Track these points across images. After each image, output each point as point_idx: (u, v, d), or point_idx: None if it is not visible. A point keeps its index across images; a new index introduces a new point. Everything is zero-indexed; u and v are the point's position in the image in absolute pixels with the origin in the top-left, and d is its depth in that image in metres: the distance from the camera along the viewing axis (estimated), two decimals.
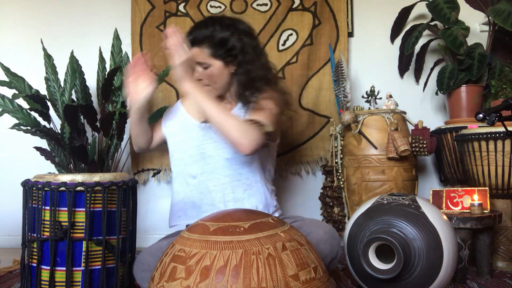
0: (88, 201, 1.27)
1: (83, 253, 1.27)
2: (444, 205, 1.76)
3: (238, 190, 1.50)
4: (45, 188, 1.27)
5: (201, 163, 1.52)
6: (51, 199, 1.27)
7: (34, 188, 1.30)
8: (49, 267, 1.26)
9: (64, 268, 1.26)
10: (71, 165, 2.10)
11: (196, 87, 1.38)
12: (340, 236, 1.81)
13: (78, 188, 1.27)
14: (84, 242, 1.27)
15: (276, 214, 1.56)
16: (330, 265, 1.36)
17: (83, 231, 1.27)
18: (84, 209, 1.28)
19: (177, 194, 1.59)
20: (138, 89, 1.45)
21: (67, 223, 1.26)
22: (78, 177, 1.29)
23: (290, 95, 1.63)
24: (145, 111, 1.53)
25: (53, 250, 1.26)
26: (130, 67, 1.47)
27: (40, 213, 1.29)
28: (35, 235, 1.29)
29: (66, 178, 1.29)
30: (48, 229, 1.27)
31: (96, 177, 1.30)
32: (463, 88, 2.20)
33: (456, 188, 1.78)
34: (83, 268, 1.27)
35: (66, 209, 1.26)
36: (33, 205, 1.31)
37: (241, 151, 1.34)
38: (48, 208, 1.27)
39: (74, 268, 1.27)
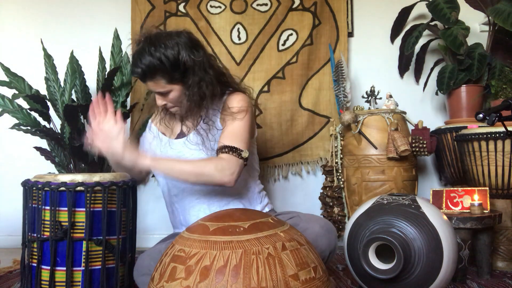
0: (88, 201, 1.27)
1: (83, 253, 1.27)
2: (444, 205, 1.76)
3: (222, 197, 1.50)
4: (45, 188, 1.27)
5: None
6: (51, 199, 1.27)
7: (34, 188, 1.30)
8: (49, 267, 1.26)
9: (64, 268, 1.26)
10: (71, 165, 2.10)
11: (152, 160, 1.35)
12: (340, 236, 1.82)
13: (78, 188, 1.27)
14: (84, 242, 1.27)
15: (267, 209, 1.57)
16: (329, 258, 1.37)
17: (83, 231, 1.27)
18: (84, 209, 1.28)
19: (169, 214, 1.62)
20: (108, 136, 1.34)
21: (67, 223, 1.26)
22: (78, 177, 1.29)
23: (250, 90, 1.61)
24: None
25: (53, 250, 1.26)
26: (91, 111, 1.38)
27: (40, 213, 1.29)
28: (35, 235, 1.29)
29: (66, 178, 1.29)
30: (48, 229, 1.27)
31: (96, 177, 1.30)
32: (463, 88, 2.20)
33: (456, 188, 1.78)
34: (83, 268, 1.27)
35: (66, 209, 1.27)
36: (33, 205, 1.31)
37: (227, 186, 1.37)
38: (48, 208, 1.27)
39: (74, 268, 1.27)
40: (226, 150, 1.37)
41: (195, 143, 1.48)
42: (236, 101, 1.48)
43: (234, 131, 1.42)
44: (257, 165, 1.64)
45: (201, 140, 1.48)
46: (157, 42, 1.36)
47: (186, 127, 1.55)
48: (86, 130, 2.12)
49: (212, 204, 1.49)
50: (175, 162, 1.40)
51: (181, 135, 1.55)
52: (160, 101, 1.44)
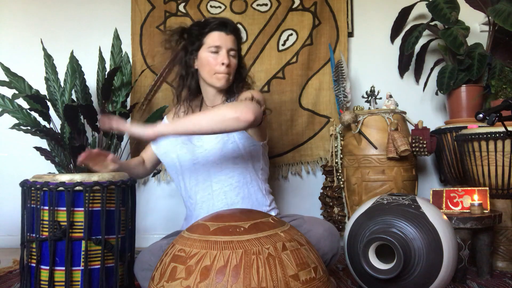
0: (86, 201, 1.27)
1: (82, 253, 1.27)
2: (444, 205, 1.76)
3: (230, 195, 1.50)
4: (44, 188, 1.27)
5: (194, 174, 1.51)
6: (49, 199, 1.26)
7: (32, 188, 1.30)
8: (48, 267, 1.26)
9: (63, 268, 1.25)
10: (71, 165, 2.10)
11: (164, 125, 1.36)
12: (340, 236, 1.82)
13: (77, 188, 1.27)
14: (83, 242, 1.27)
15: (273, 213, 1.56)
16: (331, 261, 1.36)
17: (82, 230, 1.27)
18: (82, 209, 1.27)
19: (186, 209, 1.62)
20: (101, 167, 1.46)
21: (65, 223, 1.26)
22: (77, 177, 1.29)
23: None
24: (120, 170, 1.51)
25: (52, 250, 1.25)
26: (81, 162, 1.42)
27: (38, 213, 1.28)
28: (34, 235, 1.29)
29: (65, 178, 1.28)
30: (47, 229, 1.27)
31: (95, 177, 1.30)
32: (463, 88, 2.20)
33: (456, 188, 1.78)
34: (83, 268, 1.27)
35: (64, 209, 1.26)
36: (32, 205, 1.31)
37: (243, 121, 1.27)
38: (46, 208, 1.27)
39: (73, 268, 1.26)
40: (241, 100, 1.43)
41: (210, 138, 1.48)
42: (250, 90, 1.55)
43: (243, 96, 1.48)
44: (267, 167, 1.64)
45: (214, 137, 1.48)
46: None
47: None
48: (86, 130, 2.14)
49: (220, 201, 1.49)
50: (190, 119, 1.36)
51: None
52: (227, 61, 1.51)
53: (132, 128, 1.35)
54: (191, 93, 1.62)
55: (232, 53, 1.52)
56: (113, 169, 1.46)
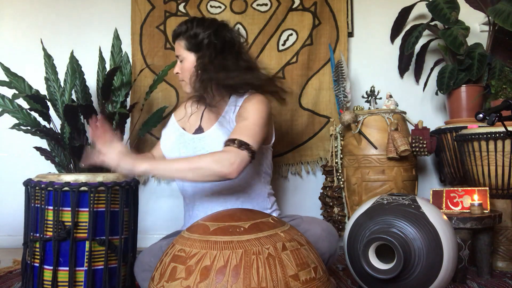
0: (91, 201, 1.27)
1: (86, 253, 1.27)
2: (444, 205, 1.76)
3: (230, 198, 1.49)
4: (49, 188, 1.27)
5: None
6: (54, 199, 1.26)
7: (37, 188, 1.30)
8: (51, 267, 1.26)
9: (67, 268, 1.25)
10: (71, 165, 2.10)
11: (149, 164, 1.33)
12: (340, 237, 1.82)
13: (82, 188, 1.27)
14: (87, 242, 1.27)
15: (274, 215, 1.56)
16: (329, 261, 1.36)
17: (86, 231, 1.27)
18: (87, 209, 1.28)
19: (185, 210, 1.62)
20: (114, 151, 1.35)
21: (70, 223, 1.26)
22: (82, 177, 1.29)
23: (272, 80, 1.62)
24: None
25: (56, 250, 1.25)
26: (92, 134, 1.39)
27: (43, 213, 1.28)
28: (37, 234, 1.29)
29: (70, 178, 1.28)
30: (51, 229, 1.27)
31: (100, 177, 1.31)
32: (463, 88, 2.20)
33: (456, 188, 1.78)
34: (86, 268, 1.27)
35: (69, 209, 1.26)
36: (36, 205, 1.31)
37: (228, 179, 1.31)
38: (51, 208, 1.27)
39: (77, 268, 1.27)
40: (229, 143, 1.34)
41: (213, 139, 1.48)
42: (253, 101, 1.48)
43: (242, 126, 1.41)
44: (270, 170, 1.63)
45: (219, 136, 1.47)
46: (195, 19, 1.56)
47: (205, 122, 1.57)
48: (86, 130, 2.14)
49: (220, 205, 1.48)
50: (171, 162, 1.40)
51: (198, 130, 1.56)
52: (176, 68, 1.56)
53: (121, 163, 1.29)
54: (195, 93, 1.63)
55: (180, 58, 1.55)
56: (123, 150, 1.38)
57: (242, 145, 1.32)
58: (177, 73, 1.56)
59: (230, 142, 1.34)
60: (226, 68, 1.49)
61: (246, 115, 1.43)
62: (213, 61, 1.48)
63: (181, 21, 1.58)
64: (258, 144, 1.38)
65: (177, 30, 1.55)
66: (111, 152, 1.31)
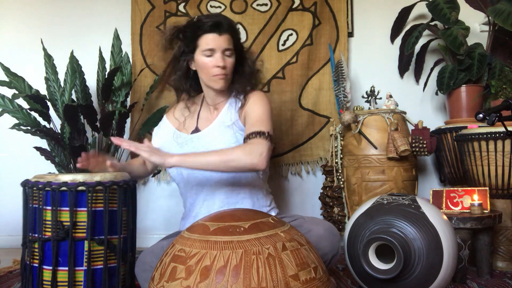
0: (89, 201, 1.27)
1: (85, 253, 1.27)
2: (444, 205, 1.76)
3: (231, 195, 1.50)
4: (46, 188, 1.27)
5: (195, 174, 1.51)
6: (52, 199, 1.26)
7: (34, 188, 1.30)
8: (51, 267, 1.25)
9: (66, 268, 1.25)
10: (71, 165, 2.10)
11: (180, 157, 1.37)
12: (340, 237, 1.82)
13: (80, 188, 1.27)
14: (86, 242, 1.27)
15: (273, 213, 1.56)
16: (331, 261, 1.36)
17: (85, 230, 1.27)
18: (85, 209, 1.27)
19: (184, 208, 1.62)
20: (101, 169, 1.47)
21: (68, 223, 1.26)
22: (79, 177, 1.29)
23: (261, 71, 1.67)
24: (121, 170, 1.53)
25: (55, 250, 1.25)
26: (81, 166, 1.43)
27: (41, 213, 1.28)
28: (36, 235, 1.29)
29: (67, 178, 1.28)
30: (49, 229, 1.27)
31: (97, 177, 1.30)
32: (463, 88, 2.20)
33: (456, 188, 1.78)
34: (85, 268, 1.27)
35: (67, 209, 1.26)
36: (34, 205, 1.31)
37: (258, 169, 1.36)
38: (49, 208, 1.27)
39: (76, 268, 1.26)
40: (253, 135, 1.38)
41: (210, 139, 1.49)
42: (256, 98, 1.52)
43: (257, 117, 1.45)
44: (268, 168, 1.64)
45: (216, 135, 1.48)
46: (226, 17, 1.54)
47: (202, 122, 1.57)
48: (86, 130, 2.14)
49: (221, 201, 1.49)
50: (200, 155, 1.39)
51: (196, 130, 1.56)
52: (222, 62, 1.48)
53: (151, 157, 1.35)
54: (191, 93, 1.62)
55: (227, 53, 1.48)
56: (113, 171, 1.46)
57: (266, 135, 1.38)
58: (223, 67, 1.48)
59: (253, 134, 1.38)
60: (246, 71, 1.56)
61: (256, 110, 1.47)
62: (241, 63, 1.54)
63: (181, 21, 1.56)
64: (272, 132, 1.45)
65: (225, 21, 1.48)
66: (146, 142, 1.39)
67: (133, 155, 2.40)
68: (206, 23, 1.46)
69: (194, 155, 1.40)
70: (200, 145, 1.50)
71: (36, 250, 1.28)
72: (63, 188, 1.26)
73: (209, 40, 1.46)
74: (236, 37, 1.53)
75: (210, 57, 1.47)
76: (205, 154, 1.39)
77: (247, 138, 1.39)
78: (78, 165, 1.42)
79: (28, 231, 1.32)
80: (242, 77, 1.56)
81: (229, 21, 1.50)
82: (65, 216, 1.27)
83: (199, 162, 1.36)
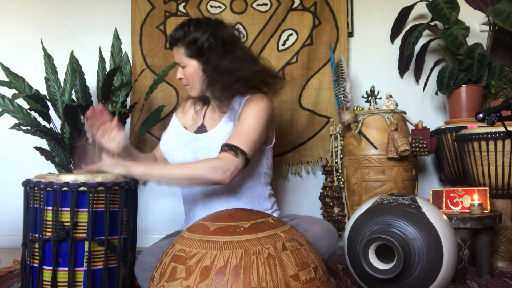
0: (90, 201, 1.27)
1: (85, 253, 1.27)
2: (444, 205, 1.76)
3: (232, 199, 1.50)
4: (48, 188, 1.27)
5: None
6: (53, 200, 1.26)
7: (36, 188, 1.30)
8: (51, 268, 1.25)
9: (66, 268, 1.25)
10: (71, 165, 2.10)
11: (145, 168, 1.38)
12: (340, 237, 1.82)
13: (81, 188, 1.27)
14: (86, 242, 1.27)
15: (275, 215, 1.56)
16: (329, 261, 1.36)
17: (85, 231, 1.27)
18: (86, 209, 1.27)
19: (185, 210, 1.62)
20: (109, 139, 1.48)
21: (69, 223, 1.26)
22: (81, 177, 1.29)
23: (273, 71, 1.67)
24: (130, 152, 1.55)
25: (55, 250, 1.25)
26: (89, 123, 1.46)
27: (42, 213, 1.28)
28: (36, 235, 1.29)
29: (69, 178, 1.28)
30: (50, 229, 1.27)
31: (99, 177, 1.30)
32: (463, 88, 2.20)
33: (456, 188, 1.78)
34: (85, 268, 1.27)
35: (68, 209, 1.26)
36: (35, 205, 1.31)
37: (222, 184, 1.37)
38: (50, 208, 1.27)
39: (76, 268, 1.26)
40: (225, 148, 1.37)
41: (216, 140, 1.48)
42: (254, 103, 1.49)
43: (241, 130, 1.42)
44: (270, 171, 1.63)
45: (223, 136, 1.48)
46: (191, 21, 1.51)
47: (207, 121, 1.58)
48: (86, 130, 2.14)
49: (221, 206, 1.48)
50: (167, 168, 1.43)
51: (200, 129, 1.56)
52: (178, 74, 1.54)
53: (116, 167, 1.35)
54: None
55: (181, 65, 1.51)
56: (125, 144, 1.48)
57: (237, 152, 1.36)
58: (180, 78, 1.54)
59: (226, 147, 1.37)
60: (231, 69, 1.48)
61: (246, 118, 1.45)
62: (217, 65, 1.47)
63: (181, 21, 1.56)
64: (253, 150, 1.42)
65: (174, 36, 1.50)
66: (105, 158, 1.37)
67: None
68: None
69: (160, 167, 1.44)
70: (202, 146, 1.50)
71: (37, 250, 1.28)
72: (65, 188, 1.26)
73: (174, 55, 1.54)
74: (193, 44, 1.47)
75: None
76: (171, 167, 1.43)
77: (221, 149, 1.38)
78: (87, 119, 1.43)
79: (28, 231, 1.32)
80: (236, 72, 1.49)
81: (179, 34, 1.48)
82: (65, 217, 1.27)
83: (163, 175, 1.38)
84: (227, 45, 1.50)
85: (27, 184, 1.33)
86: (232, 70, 1.47)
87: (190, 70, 1.50)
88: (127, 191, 1.36)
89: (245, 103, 1.50)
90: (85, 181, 1.28)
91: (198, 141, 1.52)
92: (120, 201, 1.33)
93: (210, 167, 1.34)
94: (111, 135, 1.47)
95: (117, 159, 1.40)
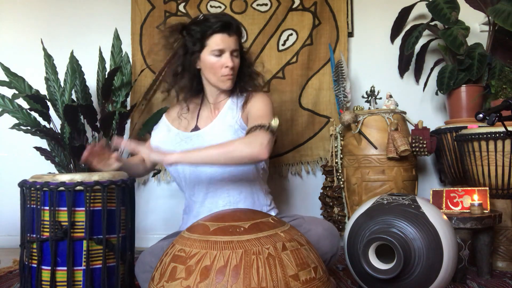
0: (88, 200, 1.27)
1: (84, 253, 1.27)
2: (444, 205, 1.76)
3: (233, 193, 1.50)
4: (44, 188, 1.27)
5: (196, 173, 1.51)
6: (50, 199, 1.26)
7: (32, 189, 1.29)
8: (49, 268, 1.25)
9: (65, 268, 1.25)
10: (71, 165, 2.10)
11: (180, 154, 1.37)
12: (340, 236, 1.82)
13: (78, 188, 1.26)
14: (84, 242, 1.27)
15: (272, 213, 1.56)
16: (330, 261, 1.36)
17: (83, 230, 1.27)
18: (83, 209, 1.27)
19: (184, 206, 1.61)
20: (105, 164, 1.44)
21: (67, 223, 1.26)
22: (77, 177, 1.28)
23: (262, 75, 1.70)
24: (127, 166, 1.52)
25: (53, 250, 1.25)
26: (86, 157, 1.40)
27: (39, 214, 1.28)
28: (34, 235, 1.28)
29: (65, 177, 1.28)
30: (47, 229, 1.27)
31: (95, 176, 1.30)
32: (463, 88, 2.20)
33: (456, 188, 1.78)
34: (84, 268, 1.27)
35: (65, 209, 1.26)
36: (32, 206, 1.30)
37: (260, 159, 1.35)
38: (47, 208, 1.27)
39: (75, 268, 1.26)
40: (254, 128, 1.39)
41: (211, 137, 1.48)
42: (259, 95, 1.54)
43: (258, 113, 1.46)
44: (267, 168, 1.64)
45: (217, 133, 1.48)
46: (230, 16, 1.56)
47: (202, 121, 1.57)
48: (86, 130, 2.14)
49: (223, 200, 1.49)
50: (203, 149, 1.39)
51: (195, 129, 1.56)
52: (231, 64, 1.49)
53: (152, 154, 1.39)
54: (192, 92, 1.61)
55: (235, 53, 1.50)
56: (117, 167, 1.44)
57: (265, 128, 1.37)
58: (231, 67, 1.49)
59: (255, 127, 1.39)
60: (245, 71, 1.58)
61: (258, 107, 1.49)
62: (242, 63, 1.56)
63: (181, 21, 1.56)
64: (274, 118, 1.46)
65: (234, 22, 1.50)
66: (142, 147, 1.41)
67: (133, 155, 2.40)
68: (216, 23, 1.46)
69: (194, 150, 1.40)
70: (200, 143, 1.49)
71: (35, 250, 1.28)
72: (61, 188, 1.26)
73: (219, 40, 1.47)
74: (241, 38, 1.56)
75: (218, 57, 1.48)
76: (205, 148, 1.38)
77: (248, 132, 1.40)
78: (82, 159, 1.40)
79: (26, 231, 1.32)
80: (243, 77, 1.57)
81: (237, 22, 1.52)
82: (63, 216, 1.27)
83: (200, 157, 1.36)
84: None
85: (23, 184, 1.32)
86: (252, 73, 1.60)
87: (238, 61, 1.53)
88: (124, 190, 1.36)
89: (249, 98, 1.53)
90: (82, 180, 1.27)
91: (194, 139, 1.52)
92: (117, 200, 1.33)
93: (245, 141, 1.35)
94: (107, 162, 1.43)
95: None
